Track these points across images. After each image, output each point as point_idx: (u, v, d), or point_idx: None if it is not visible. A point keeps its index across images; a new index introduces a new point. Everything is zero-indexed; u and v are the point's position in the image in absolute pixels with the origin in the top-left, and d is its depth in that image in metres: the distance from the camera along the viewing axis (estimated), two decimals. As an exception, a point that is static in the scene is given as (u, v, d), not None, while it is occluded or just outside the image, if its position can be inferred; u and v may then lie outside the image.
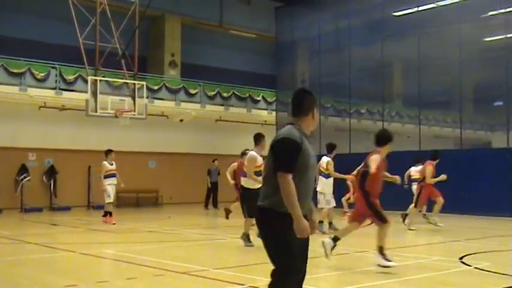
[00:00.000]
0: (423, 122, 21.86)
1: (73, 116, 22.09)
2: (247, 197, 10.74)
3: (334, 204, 13.58)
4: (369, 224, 9.02)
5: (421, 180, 13.90)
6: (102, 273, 8.57)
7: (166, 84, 25.23)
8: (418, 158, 15.69)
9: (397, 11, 22.53)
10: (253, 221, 9.65)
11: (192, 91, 25.84)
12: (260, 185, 4.67)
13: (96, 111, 18.71)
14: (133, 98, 19.57)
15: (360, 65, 24.16)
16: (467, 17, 20.15)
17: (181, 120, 25.69)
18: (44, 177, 22.34)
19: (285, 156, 4.16)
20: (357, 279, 7.73)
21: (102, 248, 11.32)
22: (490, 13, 20.05)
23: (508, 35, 19.34)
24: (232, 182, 14.93)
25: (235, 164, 14.95)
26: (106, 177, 15.61)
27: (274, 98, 28.04)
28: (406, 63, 24.66)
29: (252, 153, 10.51)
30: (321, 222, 12.43)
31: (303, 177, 4.22)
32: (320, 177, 12.95)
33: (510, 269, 8.34)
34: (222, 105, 26.75)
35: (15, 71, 21.19)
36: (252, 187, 10.34)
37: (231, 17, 28.17)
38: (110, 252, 10.88)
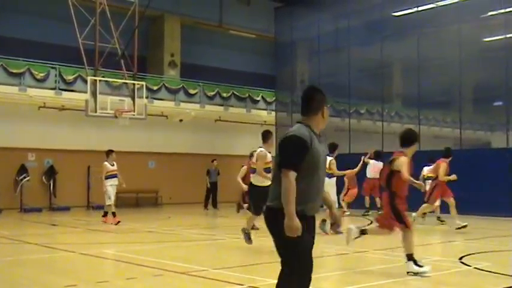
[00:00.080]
0: (423, 122, 21.85)
1: (72, 116, 22.08)
2: (254, 195, 10.48)
3: (337, 206, 13.58)
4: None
5: (435, 178, 13.85)
6: (102, 273, 8.56)
7: (166, 85, 25.23)
8: (431, 157, 15.58)
9: (396, 11, 22.54)
10: (256, 218, 9.65)
11: (192, 91, 25.85)
12: (269, 183, 4.64)
13: (95, 112, 18.73)
14: (133, 98, 19.58)
15: (360, 65, 24.17)
16: (467, 17, 20.15)
17: (180, 121, 25.68)
18: (43, 178, 22.34)
19: (291, 153, 4.12)
20: (357, 279, 7.72)
21: (102, 248, 11.31)
22: (490, 13, 20.06)
23: (508, 35, 19.35)
24: (245, 187, 13.57)
25: (245, 167, 14.66)
26: (107, 178, 15.57)
27: (274, 98, 28.06)
28: (406, 64, 24.65)
29: (262, 150, 10.30)
30: (324, 221, 12.42)
31: (312, 178, 4.18)
32: None
33: (510, 269, 8.33)
34: (221, 105, 26.76)
35: (14, 71, 21.18)
36: (260, 184, 10.14)
37: (231, 17, 28.16)
38: (110, 252, 10.88)
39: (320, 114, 4.37)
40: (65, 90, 22.14)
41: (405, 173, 7.88)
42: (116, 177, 15.69)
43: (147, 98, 21.88)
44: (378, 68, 23.53)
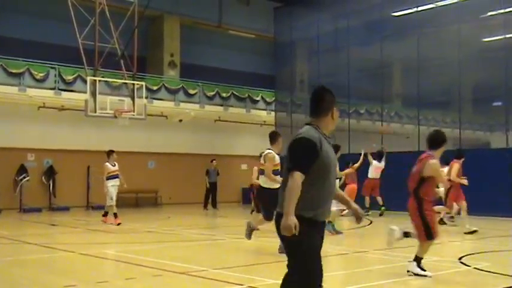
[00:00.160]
0: (422, 122, 21.84)
1: (72, 116, 22.06)
2: (263, 197, 10.14)
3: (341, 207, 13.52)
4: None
5: (448, 180, 13.82)
6: (102, 273, 8.56)
7: (166, 85, 25.23)
8: (446, 159, 15.50)
9: (396, 11, 22.53)
10: (263, 221, 9.54)
11: (191, 91, 25.85)
12: (278, 185, 4.59)
13: (95, 112, 18.71)
14: (133, 98, 19.56)
15: (359, 65, 24.15)
16: (467, 17, 20.15)
17: (180, 121, 25.67)
18: (43, 178, 22.32)
19: (301, 156, 4.07)
20: (357, 279, 7.73)
21: (102, 248, 11.31)
22: (489, 13, 20.06)
23: (507, 35, 19.36)
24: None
25: (256, 168, 14.49)
26: (108, 178, 15.48)
27: (273, 98, 28.05)
28: (405, 64, 24.66)
29: (270, 151, 9.97)
30: (329, 222, 12.38)
31: (324, 183, 4.14)
32: None
33: (509, 269, 8.34)
34: (221, 105, 26.76)
35: (14, 71, 21.18)
36: (269, 187, 9.74)
37: (230, 17, 28.16)
38: (109, 252, 10.89)
39: (330, 115, 4.30)
40: (65, 90, 22.14)
41: (442, 177, 7.53)
42: (117, 177, 15.61)
43: (146, 98, 21.87)
44: (377, 68, 23.53)
